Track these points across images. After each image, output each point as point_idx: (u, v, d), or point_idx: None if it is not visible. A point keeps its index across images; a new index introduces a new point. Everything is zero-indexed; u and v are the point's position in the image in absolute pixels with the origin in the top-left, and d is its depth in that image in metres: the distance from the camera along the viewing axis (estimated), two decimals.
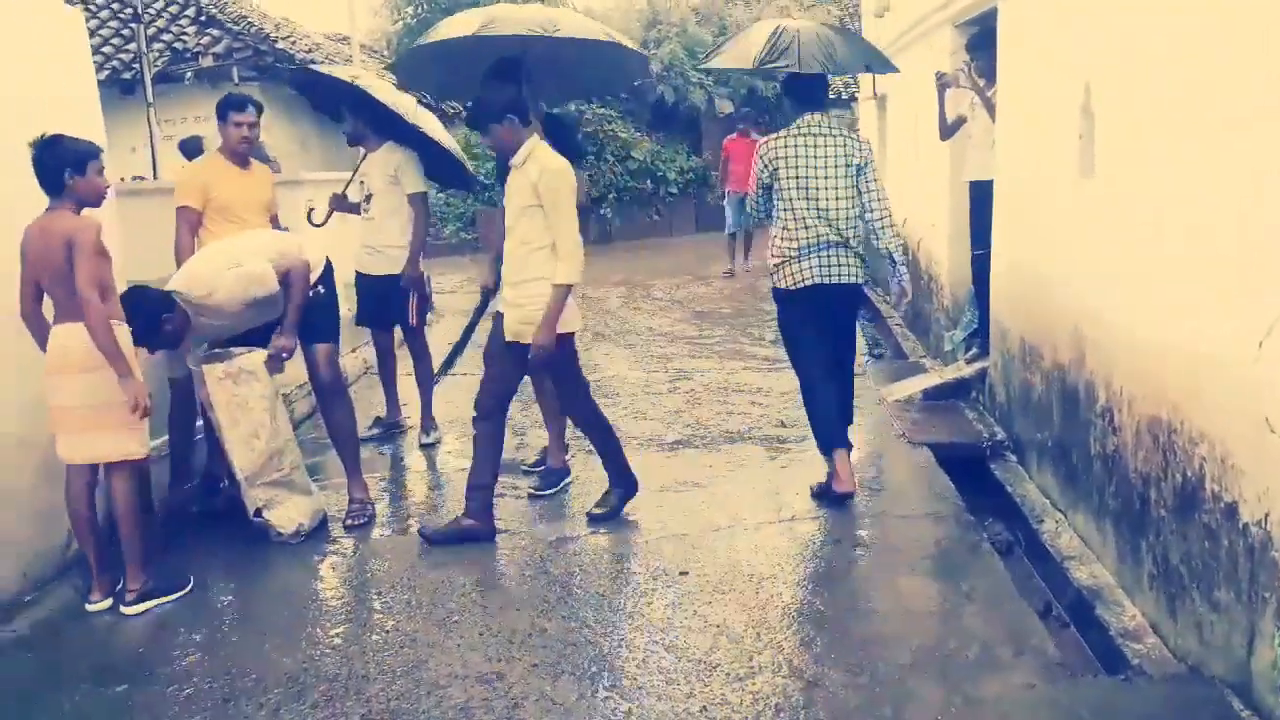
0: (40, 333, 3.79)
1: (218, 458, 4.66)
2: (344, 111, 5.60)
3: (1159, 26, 3.38)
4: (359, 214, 5.72)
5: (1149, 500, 3.46)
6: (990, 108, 5.73)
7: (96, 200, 3.78)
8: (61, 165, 3.64)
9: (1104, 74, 3.88)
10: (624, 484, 4.66)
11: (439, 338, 6.80)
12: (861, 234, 4.71)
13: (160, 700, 3.23)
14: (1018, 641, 3.38)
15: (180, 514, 4.75)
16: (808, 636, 3.46)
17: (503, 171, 4.94)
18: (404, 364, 6.01)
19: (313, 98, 6.30)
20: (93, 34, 10.60)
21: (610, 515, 4.57)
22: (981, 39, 5.92)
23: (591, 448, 4.72)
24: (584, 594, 3.86)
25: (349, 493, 4.76)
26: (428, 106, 6.15)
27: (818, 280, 4.62)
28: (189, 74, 12.70)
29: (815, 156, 4.60)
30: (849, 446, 4.77)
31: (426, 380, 5.86)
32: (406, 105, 5.54)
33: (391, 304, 5.64)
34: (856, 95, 15.10)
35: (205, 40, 13.21)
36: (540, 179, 4.16)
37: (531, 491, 4.91)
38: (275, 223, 5.14)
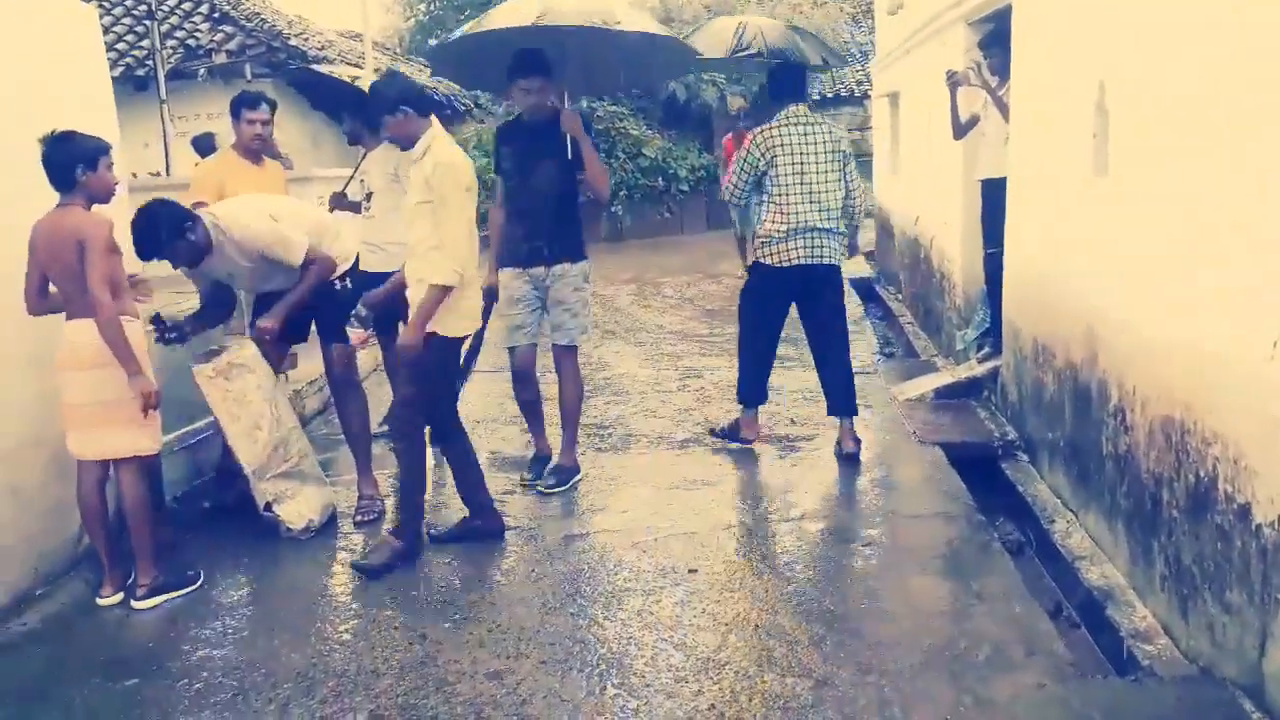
0: (51, 310, 3.81)
1: (230, 453, 4.67)
2: (343, 112, 5.61)
3: (1175, 23, 3.35)
4: (360, 213, 5.72)
5: (1161, 501, 3.44)
6: (1001, 106, 5.70)
7: (106, 196, 3.80)
8: (73, 161, 3.65)
9: (1119, 71, 3.85)
10: (484, 518, 4.34)
11: None
12: (843, 216, 5.11)
13: (170, 695, 3.25)
14: (1028, 642, 3.36)
15: (191, 508, 4.77)
16: (817, 635, 3.45)
17: (499, 166, 4.94)
18: None
19: (313, 97, 6.32)
20: (107, 30, 10.64)
21: (457, 540, 4.30)
22: (995, 36, 5.91)
23: (601, 446, 4.69)
24: (593, 591, 3.86)
25: (359, 489, 4.78)
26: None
27: (804, 261, 5.02)
28: (202, 70, 12.74)
29: (809, 144, 5.02)
30: (854, 414, 5.26)
31: None
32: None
33: (395, 301, 5.62)
34: (869, 93, 15.06)
35: (218, 37, 13.27)
36: (432, 173, 3.91)
37: (542, 489, 4.91)
38: None
